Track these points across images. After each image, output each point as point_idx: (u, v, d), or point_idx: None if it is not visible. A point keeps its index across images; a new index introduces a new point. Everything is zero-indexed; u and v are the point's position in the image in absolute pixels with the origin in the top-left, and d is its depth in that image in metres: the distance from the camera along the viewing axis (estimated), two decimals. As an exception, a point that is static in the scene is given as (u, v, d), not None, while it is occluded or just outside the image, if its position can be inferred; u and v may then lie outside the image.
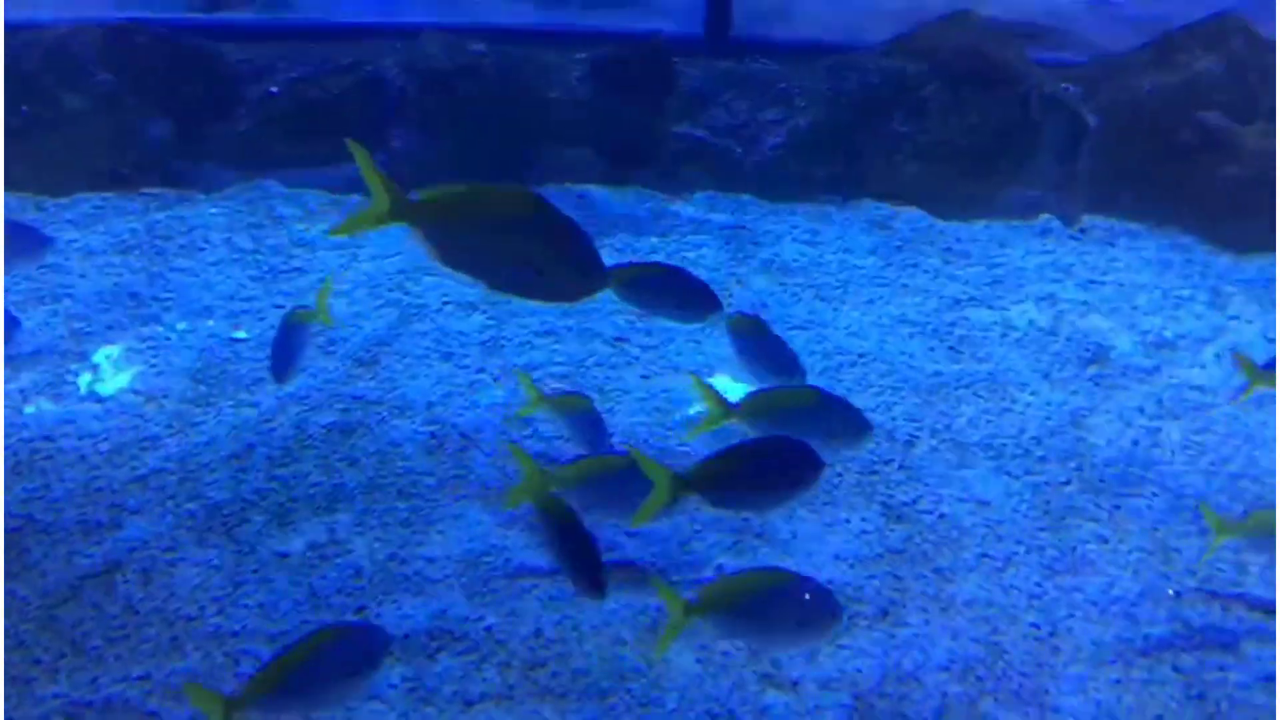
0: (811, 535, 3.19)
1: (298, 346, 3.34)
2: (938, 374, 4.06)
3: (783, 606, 2.41)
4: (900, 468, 3.52)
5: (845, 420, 2.93)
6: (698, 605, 2.39)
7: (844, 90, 5.45)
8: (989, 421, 3.77)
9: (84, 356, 3.81)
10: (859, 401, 3.84)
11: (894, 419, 3.80)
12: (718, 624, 2.42)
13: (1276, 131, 5.21)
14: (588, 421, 3.22)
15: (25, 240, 3.68)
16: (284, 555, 3.01)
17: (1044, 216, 5.30)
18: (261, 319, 4.13)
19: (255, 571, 2.95)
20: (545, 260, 2.22)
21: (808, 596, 2.41)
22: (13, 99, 4.86)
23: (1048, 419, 3.82)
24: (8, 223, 3.42)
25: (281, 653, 2.16)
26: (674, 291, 3.13)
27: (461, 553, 3.05)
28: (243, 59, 5.29)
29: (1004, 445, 3.66)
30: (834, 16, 6.52)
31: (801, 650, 2.74)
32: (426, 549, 3.06)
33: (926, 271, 4.88)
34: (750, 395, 2.99)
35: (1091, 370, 4.15)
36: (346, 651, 2.18)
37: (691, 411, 3.77)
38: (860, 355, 4.18)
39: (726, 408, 2.89)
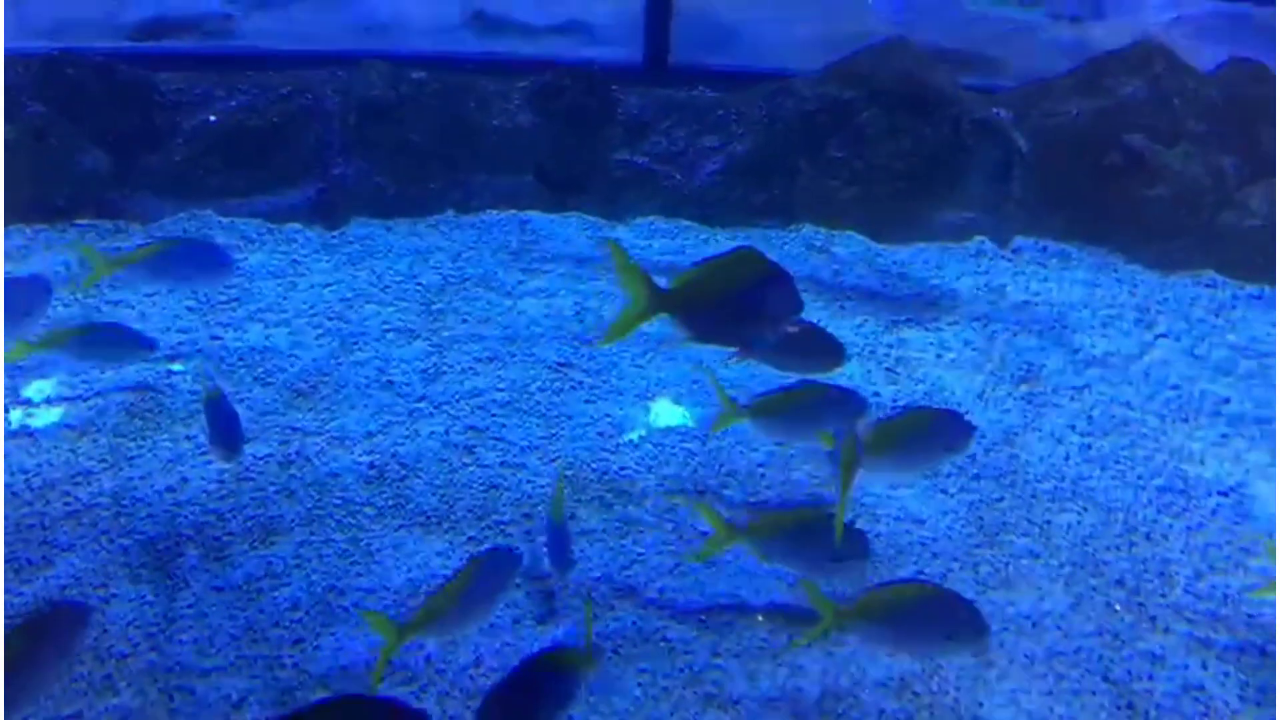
0: (752, 558, 3.22)
1: (231, 416, 3.28)
2: (875, 395, 4.12)
3: (932, 618, 2.55)
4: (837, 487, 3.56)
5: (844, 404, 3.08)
6: (849, 611, 2.56)
7: (781, 116, 5.54)
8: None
9: (15, 391, 3.75)
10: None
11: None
12: (866, 631, 2.59)
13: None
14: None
15: (210, 258, 3.60)
16: (220, 589, 2.98)
17: (977, 239, 5.41)
18: (198, 350, 4.10)
19: (190, 607, 2.91)
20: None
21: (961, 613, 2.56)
22: (-58, 131, 4.78)
23: (982, 437, 3.89)
24: (195, 241, 3.38)
25: (446, 582, 2.51)
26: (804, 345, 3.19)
27: (401, 582, 3.04)
28: (179, 88, 5.26)
29: (952, 470, 3.72)
30: (772, 45, 6.62)
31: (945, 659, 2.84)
32: (365, 580, 3.05)
33: (864, 295, 4.95)
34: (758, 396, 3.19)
35: (1024, 389, 4.23)
36: (491, 576, 2.52)
37: (634, 436, 3.79)
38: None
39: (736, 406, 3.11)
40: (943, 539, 3.35)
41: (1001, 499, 3.57)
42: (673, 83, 5.89)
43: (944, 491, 3.58)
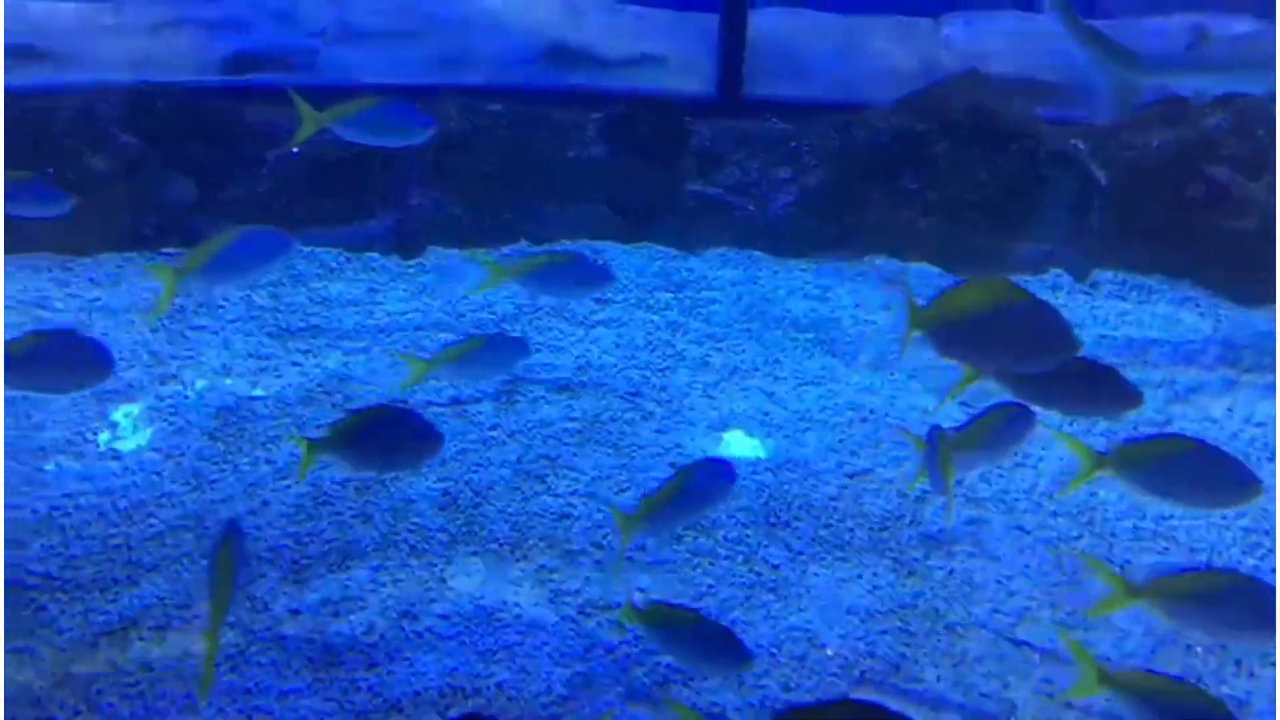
0: (824, 589, 3.19)
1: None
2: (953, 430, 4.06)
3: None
4: (911, 523, 3.53)
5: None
6: (1143, 590, 2.49)
7: (854, 148, 5.53)
8: (1001, 477, 3.77)
9: (104, 414, 3.87)
10: (870, 457, 3.88)
11: (906, 475, 3.81)
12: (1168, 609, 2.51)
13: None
14: None
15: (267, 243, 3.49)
16: (296, 612, 3.03)
17: (1054, 271, 5.34)
18: (279, 376, 4.19)
19: (269, 629, 2.97)
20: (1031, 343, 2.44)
21: None
22: (40, 161, 4.97)
23: (1061, 474, 3.82)
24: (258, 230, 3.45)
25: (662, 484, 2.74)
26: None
27: (473, 609, 3.07)
28: (264, 119, 5.40)
29: (1016, 500, 3.66)
30: (844, 76, 6.61)
31: None
32: (439, 606, 3.08)
33: (938, 326, 4.89)
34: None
35: (1103, 423, 4.15)
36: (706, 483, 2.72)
37: (703, 467, 3.78)
38: (871, 411, 4.20)
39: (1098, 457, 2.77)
40: (1019, 577, 3.29)
41: (1080, 536, 3.49)
42: (746, 114, 5.91)
43: (1020, 528, 3.52)
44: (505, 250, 5.36)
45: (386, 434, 2.78)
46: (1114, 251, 5.47)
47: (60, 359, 2.93)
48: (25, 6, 6.44)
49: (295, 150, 5.34)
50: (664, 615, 2.50)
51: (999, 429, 2.78)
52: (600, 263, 3.83)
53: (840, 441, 3.99)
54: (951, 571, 3.29)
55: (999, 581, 3.27)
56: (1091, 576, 3.27)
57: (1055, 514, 3.61)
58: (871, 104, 5.85)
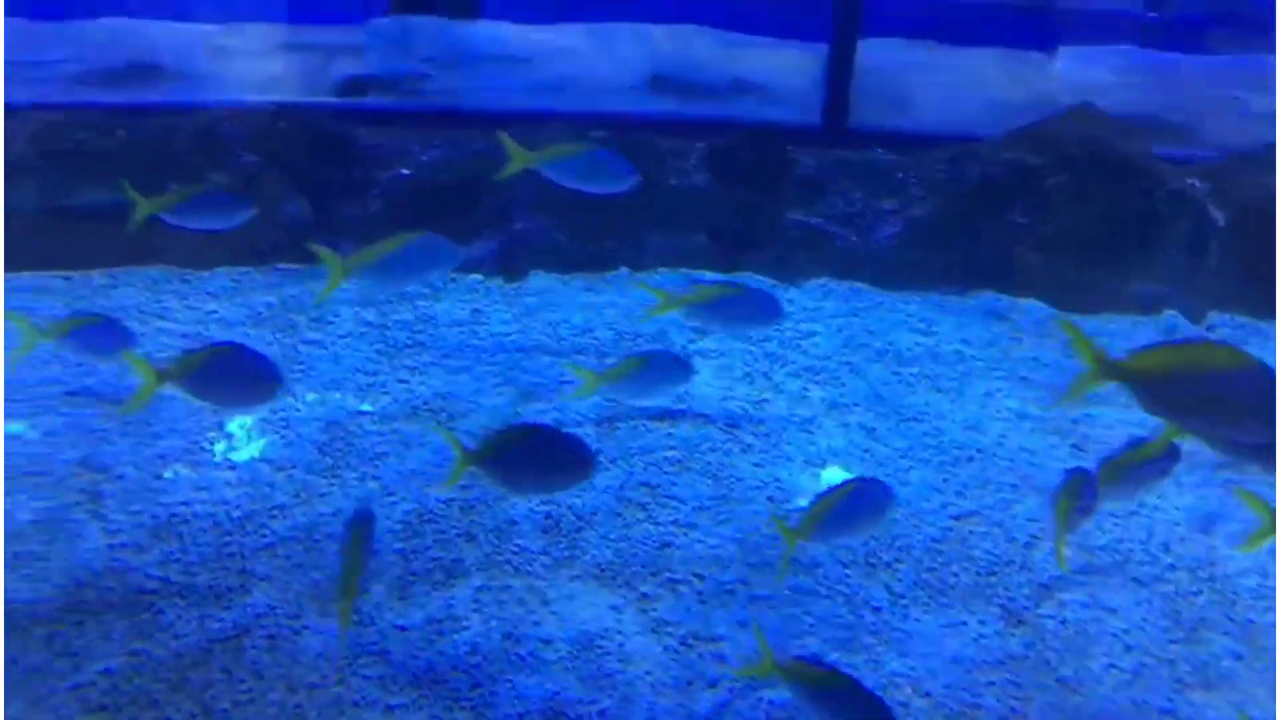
0: (928, 635, 3.13)
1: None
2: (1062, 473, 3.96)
3: None
4: (1021, 569, 3.44)
5: None
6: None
7: (964, 180, 5.45)
8: (1116, 525, 3.66)
9: (219, 425, 3.97)
10: (976, 498, 3.80)
11: (1014, 517, 3.72)
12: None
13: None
14: None
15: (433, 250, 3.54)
16: (402, 628, 3.07)
17: (1169, 312, 5.19)
18: (386, 393, 4.27)
19: (375, 643, 3.01)
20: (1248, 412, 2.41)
21: None
22: (164, 177, 5.15)
23: (1177, 525, 3.70)
24: (427, 237, 3.54)
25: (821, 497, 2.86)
26: None
27: (575, 634, 3.07)
28: (378, 142, 5.54)
29: (1131, 550, 3.55)
30: (953, 108, 6.54)
31: None
32: (541, 629, 3.09)
33: (1047, 365, 4.80)
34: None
35: (1223, 474, 4.01)
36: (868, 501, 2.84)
37: (804, 503, 3.75)
38: (978, 450, 4.12)
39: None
40: (1135, 630, 3.19)
41: (1199, 592, 3.37)
42: (850, 144, 5.88)
43: (1137, 580, 3.41)
44: (606, 277, 5.41)
45: (540, 453, 2.79)
46: (1231, 294, 5.31)
47: (234, 373, 3.03)
48: (149, 26, 6.72)
49: (406, 172, 5.46)
50: (812, 676, 2.39)
51: (1146, 466, 2.75)
52: (770, 297, 3.85)
53: (944, 481, 3.92)
54: (1064, 622, 3.19)
55: (1114, 635, 3.17)
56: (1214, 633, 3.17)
57: (1173, 566, 3.49)
58: (981, 136, 5.78)
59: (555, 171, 3.62)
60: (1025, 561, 3.48)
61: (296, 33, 6.69)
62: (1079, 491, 2.82)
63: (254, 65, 6.26)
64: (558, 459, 2.80)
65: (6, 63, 6.11)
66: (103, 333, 3.79)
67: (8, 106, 5.34)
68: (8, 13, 6.29)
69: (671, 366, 3.96)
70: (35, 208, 5.09)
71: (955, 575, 3.39)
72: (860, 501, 2.83)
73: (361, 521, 2.79)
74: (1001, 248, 5.41)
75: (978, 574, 3.42)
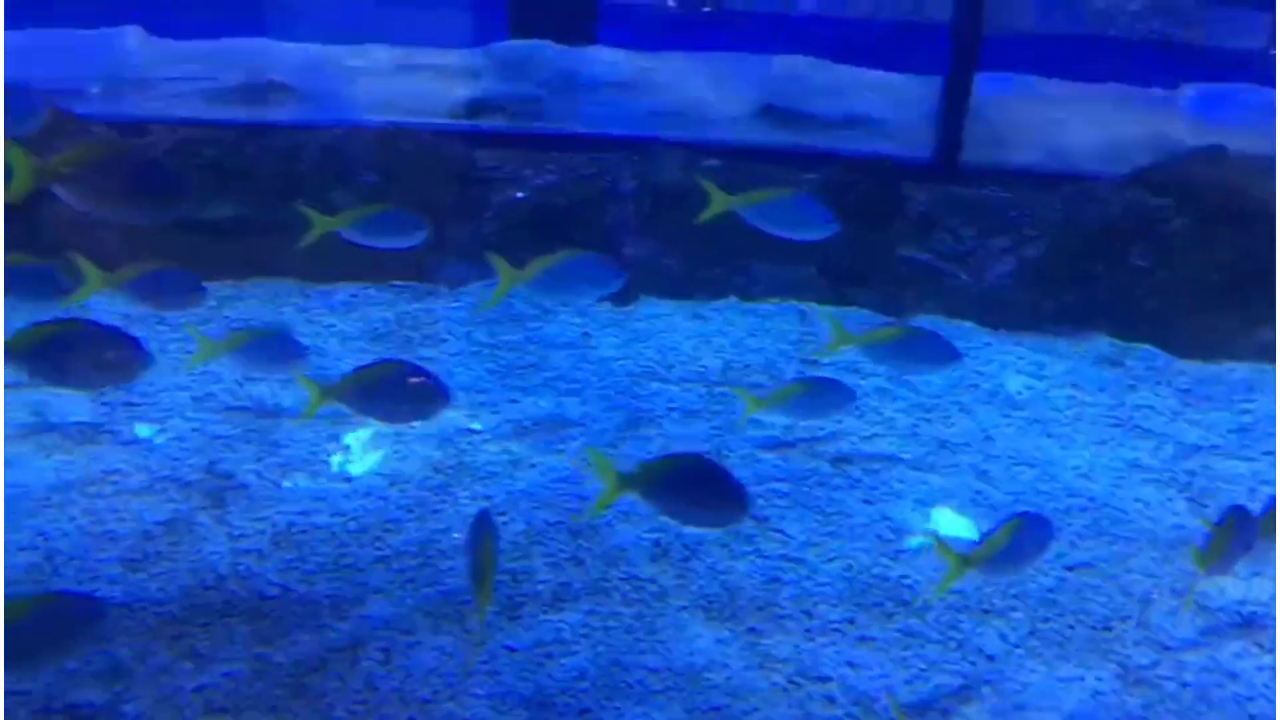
0: (1044, 689, 3.06)
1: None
2: (1179, 528, 3.86)
3: None
4: (1139, 626, 3.35)
5: None
6: None
7: (1080, 221, 5.35)
8: (1240, 585, 3.55)
9: (337, 437, 4.08)
10: (1091, 550, 3.71)
11: (1129, 571, 3.63)
12: None
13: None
14: None
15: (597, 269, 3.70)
16: (512, 649, 3.11)
17: (1295, 363, 5.02)
18: (495, 412, 4.33)
19: (485, 662, 3.05)
20: None
21: None
22: (288, 194, 5.33)
23: (1305, 587, 3.57)
24: (592, 255, 3.66)
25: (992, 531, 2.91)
26: None
27: (683, 665, 3.08)
28: (493, 165, 5.65)
29: (1254, 613, 3.43)
30: (1070, 146, 6.42)
31: None
32: (649, 658, 3.10)
33: (1163, 414, 4.68)
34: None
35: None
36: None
37: (914, 544, 3.70)
38: (1091, 499, 4.03)
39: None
40: (1259, 698, 3.07)
41: (1330, 659, 3.24)
42: (963, 181, 5.82)
43: (1260, 645, 3.29)
44: (715, 305, 5.42)
45: (696, 486, 2.81)
46: (1362, 347, 5.11)
47: (403, 390, 3.13)
48: (279, 47, 6.95)
49: (520, 195, 5.56)
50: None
51: None
52: (946, 342, 3.88)
53: (1057, 529, 3.83)
54: (1185, 685, 3.10)
55: (1238, 703, 3.06)
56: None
57: (1301, 630, 3.37)
58: (1099, 176, 5.67)
59: (755, 216, 3.66)
60: (1142, 619, 3.38)
61: (417, 55, 6.87)
62: (1238, 529, 2.76)
63: (376, 86, 6.44)
64: (713, 493, 2.81)
65: (147, 79, 6.40)
66: (275, 347, 3.90)
67: (147, 120, 5.57)
68: (156, 32, 6.59)
69: (836, 392, 4.00)
70: (168, 220, 5.29)
71: (1071, 628, 3.31)
72: (1027, 536, 2.84)
73: (488, 522, 2.88)
74: (1118, 291, 5.29)
75: (1093, 628, 3.34)
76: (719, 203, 3.64)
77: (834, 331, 3.85)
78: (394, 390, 3.10)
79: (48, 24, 6.89)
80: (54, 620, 2.50)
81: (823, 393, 4.02)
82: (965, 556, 2.87)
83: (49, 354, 3.14)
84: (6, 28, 5.90)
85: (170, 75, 6.53)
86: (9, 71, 5.50)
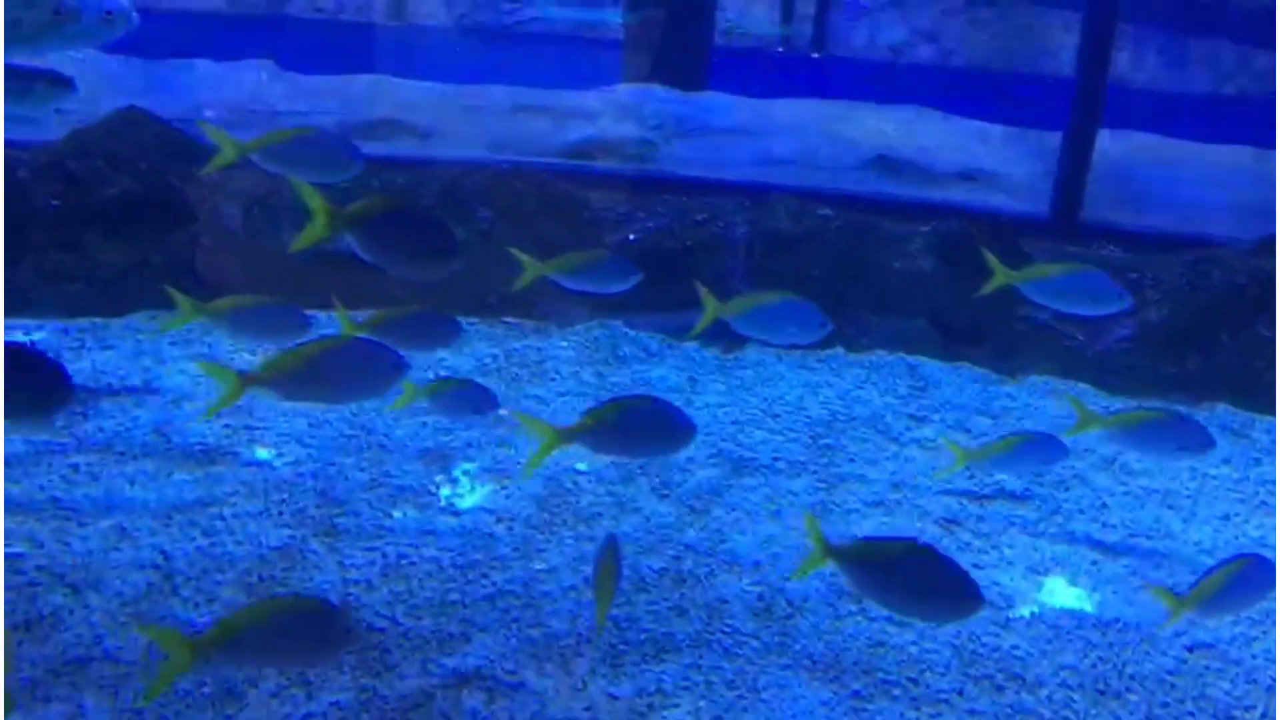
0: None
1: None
2: (1309, 616, 3.68)
3: None
4: (1264, 717, 3.20)
5: None
6: None
7: (1204, 287, 5.20)
8: (1375, 679, 3.37)
9: (446, 469, 4.14)
10: (1212, 630, 3.56)
11: (1253, 656, 3.47)
12: None
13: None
14: None
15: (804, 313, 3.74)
16: (614, 697, 3.10)
17: None
18: (601, 454, 4.34)
19: (587, 709, 3.04)
20: None
21: None
22: (408, 227, 5.46)
23: None
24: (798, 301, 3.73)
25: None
26: None
27: (786, 726, 3.03)
28: (605, 206, 5.71)
29: (1393, 709, 3.25)
30: (1191, 208, 6.26)
31: None
32: (750, 716, 3.06)
33: (1291, 491, 4.48)
34: None
35: None
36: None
37: (1025, 613, 3.60)
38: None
39: None
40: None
41: None
42: (1082, 239, 5.71)
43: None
44: (821, 355, 5.38)
45: (913, 572, 2.73)
46: None
47: (647, 428, 3.23)
48: (402, 85, 7.16)
49: (632, 237, 5.61)
50: None
51: None
52: (1200, 426, 3.84)
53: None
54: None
55: (1376, 803, 2.90)
56: None
57: None
58: (1222, 240, 5.51)
59: (1038, 291, 3.64)
60: (1269, 709, 3.23)
61: (533, 97, 7.01)
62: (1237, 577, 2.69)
63: (494, 125, 6.58)
64: (930, 584, 2.74)
65: (275, 113, 6.63)
66: (471, 396, 3.95)
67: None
68: (286, 67, 6.84)
69: (1048, 446, 3.99)
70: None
71: (1191, 715, 3.18)
72: (1249, 578, 2.78)
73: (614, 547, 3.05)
74: (1242, 360, 5.12)
75: (1214, 715, 3.20)
76: (1000, 276, 3.62)
77: (1079, 413, 3.79)
78: (640, 428, 3.20)
79: (186, 55, 7.22)
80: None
81: (1036, 447, 3.99)
82: (1182, 598, 2.86)
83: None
84: (153, 58, 6.19)
85: (299, 109, 6.76)
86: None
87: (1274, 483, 4.58)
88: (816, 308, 3.57)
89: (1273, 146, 7.19)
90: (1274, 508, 4.38)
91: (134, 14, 3.49)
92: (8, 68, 3.58)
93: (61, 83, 3.81)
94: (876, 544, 2.89)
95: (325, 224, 3.00)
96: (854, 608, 3.54)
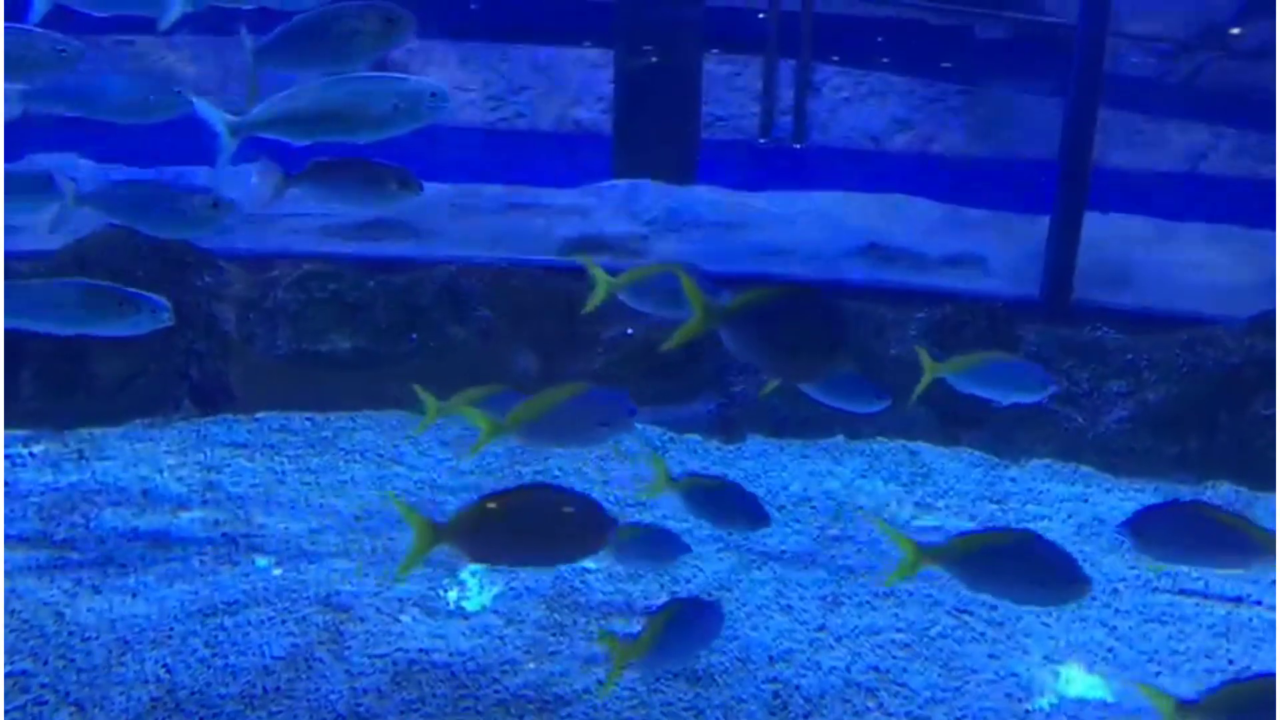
0: None
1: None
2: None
3: None
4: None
5: None
6: None
7: (1201, 366, 5.24)
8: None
9: (453, 571, 4.09)
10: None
11: (1279, 740, 3.42)
12: None
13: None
14: None
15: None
16: (634, 804, 3.02)
17: None
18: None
19: (607, 818, 2.97)
20: None
21: None
22: (407, 328, 5.49)
23: None
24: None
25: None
26: None
27: (811, 830, 2.96)
28: (603, 301, 5.74)
29: None
30: (1179, 287, 6.34)
31: None
32: (775, 820, 2.99)
33: (1303, 571, 4.46)
34: None
35: None
36: None
37: (1044, 703, 3.55)
38: (1230, 661, 3.84)
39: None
40: None
41: None
42: (1075, 320, 5.76)
43: None
44: (822, 444, 5.39)
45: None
46: None
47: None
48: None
49: (630, 331, 5.64)
50: None
51: None
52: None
53: (1197, 693, 3.64)
54: None
55: None
56: None
57: None
58: (1213, 319, 5.57)
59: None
60: (1301, 795, 3.17)
61: (525, 194, 7.10)
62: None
63: (489, 222, 6.65)
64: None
65: (269, 215, 6.69)
66: (657, 542, 3.76)
67: (271, 254, 5.82)
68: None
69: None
70: (288, 351, 5.47)
71: (1222, 804, 3.11)
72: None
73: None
74: (1241, 439, 5.14)
75: (1246, 804, 3.13)
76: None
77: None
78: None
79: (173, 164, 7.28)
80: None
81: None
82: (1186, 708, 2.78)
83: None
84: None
85: (289, 211, 6.82)
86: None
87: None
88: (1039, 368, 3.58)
89: (1254, 225, 7.34)
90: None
91: None
92: (352, 163, 3.73)
93: (411, 184, 3.82)
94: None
95: (703, 320, 2.82)
96: (871, 703, 3.49)
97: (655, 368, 5.48)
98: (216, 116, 3.49)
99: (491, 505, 2.72)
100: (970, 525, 4.63)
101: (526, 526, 2.77)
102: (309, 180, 3.60)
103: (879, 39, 12.07)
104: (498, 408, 3.39)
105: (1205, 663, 3.82)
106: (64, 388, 5.16)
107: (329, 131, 3.43)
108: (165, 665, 3.46)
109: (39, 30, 3.64)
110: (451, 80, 11.01)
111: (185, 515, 4.42)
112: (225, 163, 3.49)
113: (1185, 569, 4.42)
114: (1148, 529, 3.09)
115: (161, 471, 4.78)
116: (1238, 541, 3.04)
